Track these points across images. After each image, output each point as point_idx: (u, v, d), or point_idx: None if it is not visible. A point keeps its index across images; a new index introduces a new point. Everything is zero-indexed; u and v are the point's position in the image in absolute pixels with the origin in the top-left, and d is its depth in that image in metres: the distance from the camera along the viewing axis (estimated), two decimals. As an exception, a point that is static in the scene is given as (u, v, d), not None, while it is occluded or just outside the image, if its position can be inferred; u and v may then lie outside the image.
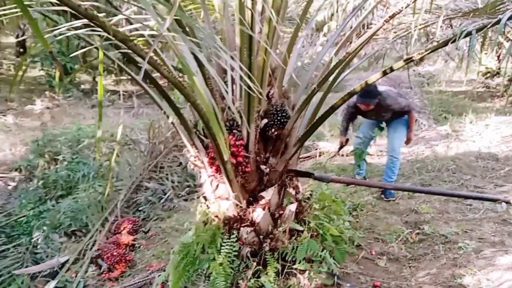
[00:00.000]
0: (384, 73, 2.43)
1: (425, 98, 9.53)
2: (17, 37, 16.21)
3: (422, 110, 8.28)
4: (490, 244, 3.14)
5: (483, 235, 3.28)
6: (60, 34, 1.33)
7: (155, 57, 1.88)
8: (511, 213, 3.61)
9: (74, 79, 12.63)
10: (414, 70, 15.14)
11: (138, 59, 2.11)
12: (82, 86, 13.14)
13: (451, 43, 2.14)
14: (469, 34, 2.01)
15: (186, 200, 5.25)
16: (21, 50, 17.47)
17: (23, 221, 5.34)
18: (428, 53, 2.34)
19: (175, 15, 1.17)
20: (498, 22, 2.07)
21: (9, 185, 6.97)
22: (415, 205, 4.07)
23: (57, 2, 1.22)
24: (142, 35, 1.26)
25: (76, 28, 1.46)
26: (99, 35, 1.71)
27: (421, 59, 16.72)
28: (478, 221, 3.57)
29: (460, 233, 3.35)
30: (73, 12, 1.21)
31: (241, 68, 2.27)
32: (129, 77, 2.83)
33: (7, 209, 5.89)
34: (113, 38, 1.29)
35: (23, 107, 10.90)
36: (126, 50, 1.77)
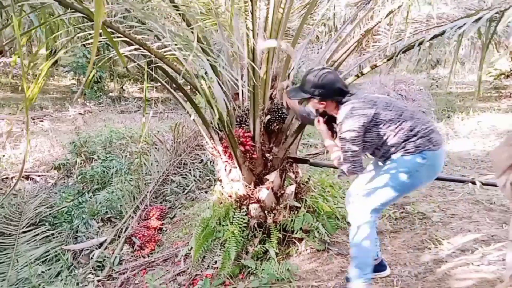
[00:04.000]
0: (357, 76, 3.06)
1: (432, 99, 10.00)
2: (47, 49, 17.40)
3: (427, 110, 8.79)
4: (459, 218, 3.71)
5: (456, 212, 3.84)
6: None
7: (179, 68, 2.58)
8: (476, 192, 4.22)
9: (104, 87, 13.55)
10: (427, 73, 15.59)
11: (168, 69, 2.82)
12: (111, 94, 14.06)
13: (408, 49, 2.75)
14: (418, 44, 2.61)
15: (206, 192, 5.92)
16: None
17: (64, 211, 6.07)
18: (390, 60, 2.95)
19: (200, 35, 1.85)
20: (443, 33, 2.66)
21: (49, 183, 7.79)
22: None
23: (120, 35, 1.92)
24: (174, 54, 1.91)
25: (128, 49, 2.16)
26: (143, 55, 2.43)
27: (437, 62, 17.11)
28: (455, 202, 4.13)
29: (437, 211, 3.92)
30: (128, 40, 1.91)
31: (248, 74, 2.95)
32: (155, 85, 3.55)
33: (49, 202, 6.66)
34: (154, 56, 1.99)
35: (57, 113, 11.85)
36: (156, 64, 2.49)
